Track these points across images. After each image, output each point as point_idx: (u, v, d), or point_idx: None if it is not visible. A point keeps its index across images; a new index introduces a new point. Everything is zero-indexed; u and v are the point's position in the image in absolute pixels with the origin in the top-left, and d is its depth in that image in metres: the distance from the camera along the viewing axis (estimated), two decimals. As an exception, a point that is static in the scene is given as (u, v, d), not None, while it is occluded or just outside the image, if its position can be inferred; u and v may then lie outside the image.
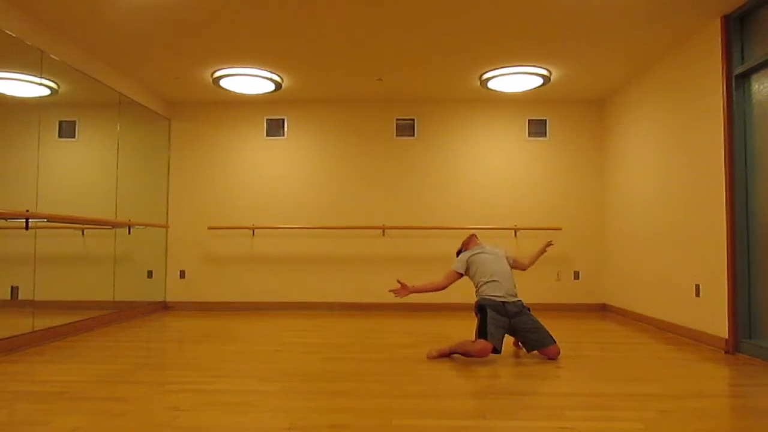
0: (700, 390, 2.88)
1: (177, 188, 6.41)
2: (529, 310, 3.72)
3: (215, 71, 5.31)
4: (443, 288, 3.86)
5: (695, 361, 3.59)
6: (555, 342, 3.61)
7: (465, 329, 4.63)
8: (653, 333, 4.67)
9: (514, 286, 3.77)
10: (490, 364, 3.45)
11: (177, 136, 6.44)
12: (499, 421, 2.35)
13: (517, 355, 3.74)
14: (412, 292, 3.78)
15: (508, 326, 3.61)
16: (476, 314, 3.68)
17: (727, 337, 3.83)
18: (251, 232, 6.33)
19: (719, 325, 3.91)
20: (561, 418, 2.36)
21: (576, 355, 3.73)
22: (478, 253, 3.89)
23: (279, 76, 5.46)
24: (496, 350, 3.49)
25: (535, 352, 3.66)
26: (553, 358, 3.57)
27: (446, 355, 3.64)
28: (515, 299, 3.69)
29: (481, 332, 3.52)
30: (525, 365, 3.45)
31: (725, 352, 3.81)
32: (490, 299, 3.63)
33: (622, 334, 4.67)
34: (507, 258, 3.94)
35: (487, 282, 3.72)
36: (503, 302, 3.62)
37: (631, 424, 2.28)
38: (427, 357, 3.61)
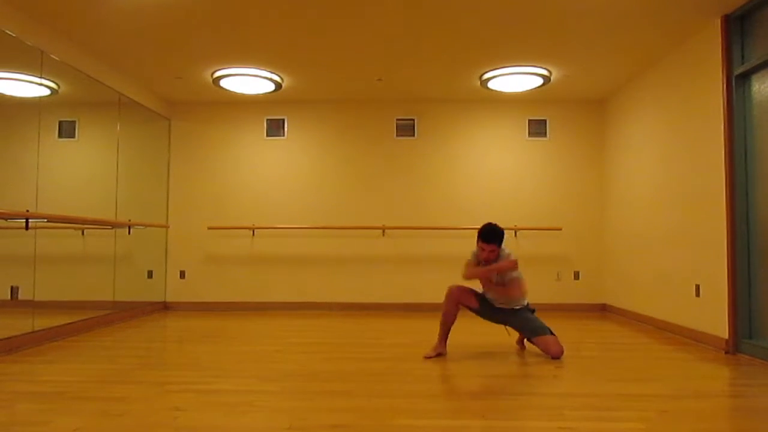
0: (700, 390, 2.88)
1: (177, 188, 6.41)
2: (533, 311, 3.79)
3: (215, 71, 5.30)
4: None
5: (695, 361, 3.59)
6: (553, 333, 3.64)
7: (465, 329, 4.63)
8: (653, 333, 4.67)
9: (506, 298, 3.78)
10: (489, 364, 3.45)
11: (177, 136, 6.44)
12: (499, 421, 2.35)
13: (517, 355, 3.74)
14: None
15: (491, 308, 3.76)
16: None
17: (727, 337, 3.83)
18: (251, 232, 6.33)
19: (719, 325, 3.91)
20: (561, 418, 2.36)
21: (576, 355, 3.72)
22: None
23: (279, 76, 5.46)
24: (478, 301, 3.70)
25: (540, 352, 3.67)
26: (555, 356, 3.56)
27: (441, 350, 3.63)
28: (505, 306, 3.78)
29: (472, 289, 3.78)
30: (525, 365, 3.45)
31: (725, 352, 3.81)
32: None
33: (622, 334, 4.67)
34: None
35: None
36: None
37: (631, 424, 2.28)
38: (424, 358, 3.59)
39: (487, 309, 3.76)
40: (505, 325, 3.82)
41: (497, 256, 3.66)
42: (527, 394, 2.77)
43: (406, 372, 3.23)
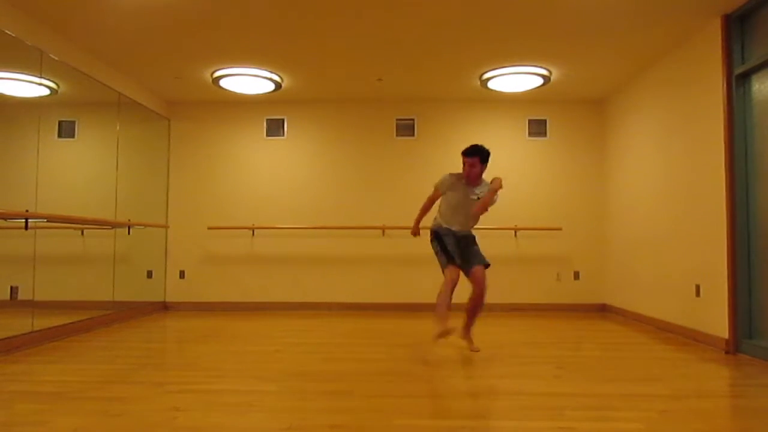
0: (700, 390, 2.88)
1: (177, 188, 6.41)
2: (473, 239, 3.92)
3: (215, 71, 5.30)
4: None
5: (695, 361, 3.59)
6: (483, 264, 3.74)
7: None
8: (653, 333, 4.67)
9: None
10: (489, 364, 3.45)
11: (177, 136, 6.44)
12: (499, 421, 2.35)
13: (516, 355, 3.74)
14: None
15: (459, 249, 3.78)
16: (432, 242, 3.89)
17: (727, 337, 3.83)
18: (251, 232, 6.33)
19: (720, 325, 3.91)
20: (561, 418, 2.35)
21: (576, 355, 3.72)
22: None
23: (279, 76, 5.46)
24: (458, 272, 3.68)
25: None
26: (483, 290, 3.67)
27: (446, 329, 3.47)
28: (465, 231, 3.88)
29: (447, 259, 3.70)
30: (525, 365, 3.44)
31: (726, 353, 3.80)
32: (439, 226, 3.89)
33: (622, 334, 4.66)
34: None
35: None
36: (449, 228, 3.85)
37: (631, 424, 2.28)
38: (436, 338, 3.46)
39: (458, 256, 3.75)
40: (467, 257, 3.78)
41: (480, 171, 3.91)
42: (527, 394, 2.77)
43: (405, 372, 3.23)
